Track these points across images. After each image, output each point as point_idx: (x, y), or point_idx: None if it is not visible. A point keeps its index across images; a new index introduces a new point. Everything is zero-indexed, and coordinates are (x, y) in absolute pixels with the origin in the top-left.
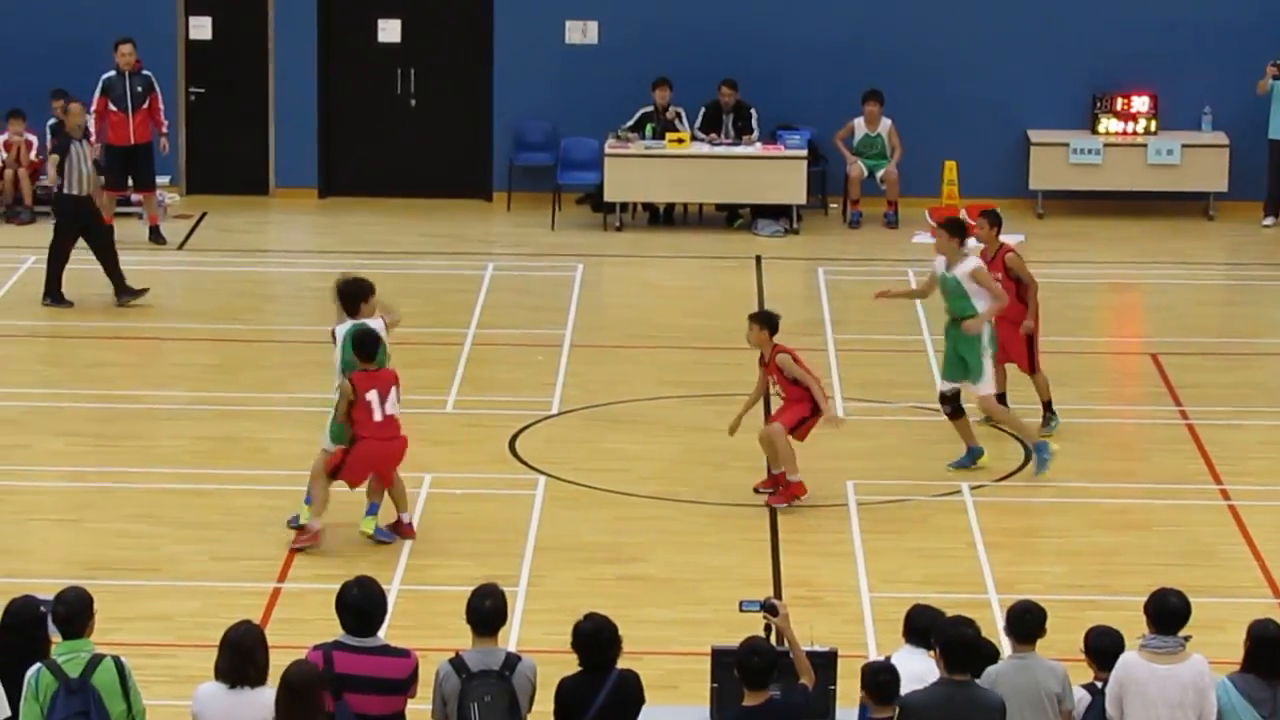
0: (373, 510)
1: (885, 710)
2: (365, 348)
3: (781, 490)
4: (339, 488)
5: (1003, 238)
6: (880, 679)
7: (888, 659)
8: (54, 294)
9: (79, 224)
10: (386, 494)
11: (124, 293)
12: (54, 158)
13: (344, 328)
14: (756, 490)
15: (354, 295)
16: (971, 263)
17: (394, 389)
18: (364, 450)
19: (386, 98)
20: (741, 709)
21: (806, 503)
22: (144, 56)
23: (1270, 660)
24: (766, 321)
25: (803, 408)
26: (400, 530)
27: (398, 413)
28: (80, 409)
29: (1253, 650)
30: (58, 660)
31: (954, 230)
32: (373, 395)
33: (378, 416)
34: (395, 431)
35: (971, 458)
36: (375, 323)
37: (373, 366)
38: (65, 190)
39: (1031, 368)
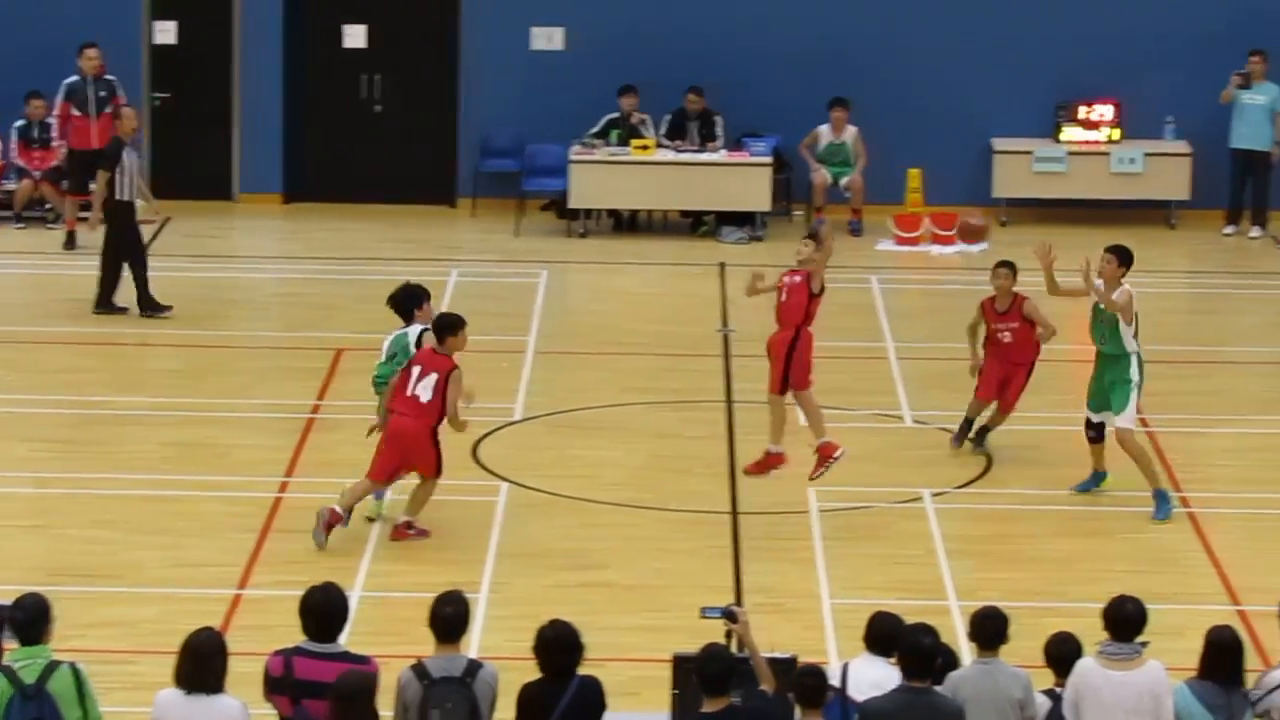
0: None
1: (813, 715)
2: (447, 328)
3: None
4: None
5: (962, 248)
6: (806, 683)
7: (844, 664)
8: (149, 304)
9: (132, 229)
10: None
11: (104, 304)
12: (102, 173)
13: (392, 336)
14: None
15: (407, 300)
16: (1124, 290)
17: (432, 375)
18: (388, 428)
19: (352, 103)
20: (701, 715)
21: (768, 509)
22: (109, 61)
23: (1227, 667)
24: (814, 235)
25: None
26: (396, 531)
27: (424, 398)
28: (45, 414)
29: (1209, 656)
30: (14, 666)
31: (1123, 258)
32: (415, 369)
33: (407, 391)
34: (411, 411)
35: (1096, 481)
36: (414, 330)
37: (443, 350)
38: (118, 196)
39: (1010, 408)
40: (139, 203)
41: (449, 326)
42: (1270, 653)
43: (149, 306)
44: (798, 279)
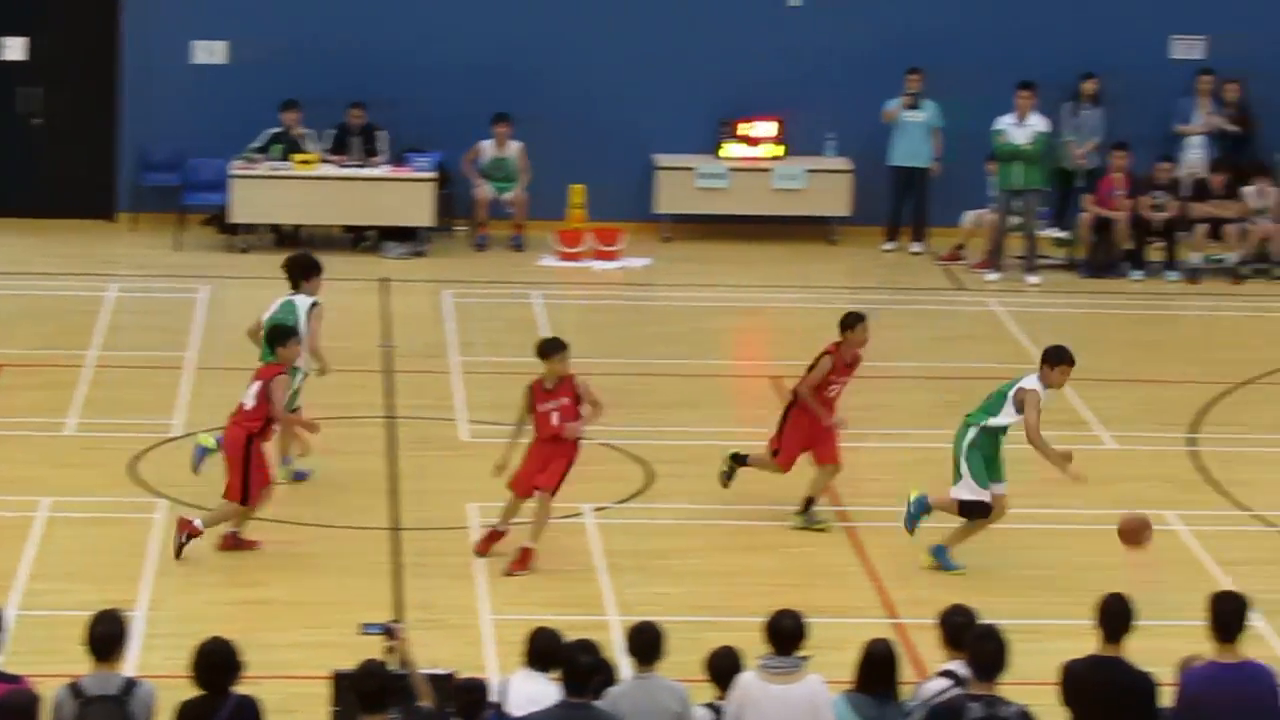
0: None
1: None
2: (277, 339)
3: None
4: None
5: (628, 262)
6: (465, 697)
7: (503, 680)
8: None
9: None
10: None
11: None
12: None
13: (281, 300)
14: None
15: (296, 267)
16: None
17: (257, 383)
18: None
19: (9, 116)
20: None
21: (428, 525)
22: None
23: (881, 678)
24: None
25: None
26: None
27: (248, 405)
28: None
29: (865, 669)
30: None
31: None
32: (255, 384)
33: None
34: (236, 419)
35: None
36: (303, 300)
37: (274, 360)
38: None
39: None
40: None
41: (279, 338)
42: (926, 664)
43: None
44: (560, 403)
